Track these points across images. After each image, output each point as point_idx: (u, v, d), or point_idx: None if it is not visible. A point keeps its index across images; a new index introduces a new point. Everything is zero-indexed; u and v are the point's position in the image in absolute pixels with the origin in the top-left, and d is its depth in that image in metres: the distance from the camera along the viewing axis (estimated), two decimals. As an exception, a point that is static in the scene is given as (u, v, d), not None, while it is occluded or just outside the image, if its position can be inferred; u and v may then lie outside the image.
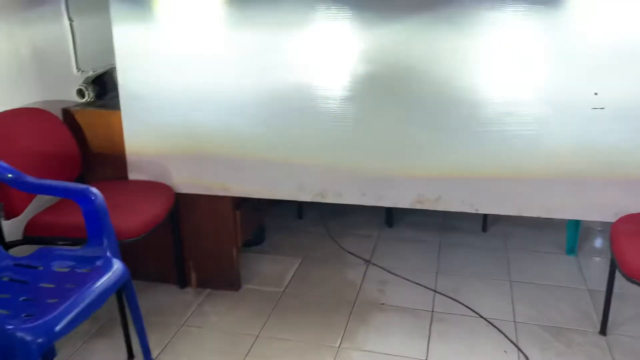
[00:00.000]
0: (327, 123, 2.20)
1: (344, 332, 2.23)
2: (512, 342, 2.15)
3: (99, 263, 1.85)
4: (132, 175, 2.44)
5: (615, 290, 2.09)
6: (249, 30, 2.16)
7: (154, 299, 2.47)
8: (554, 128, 2.04)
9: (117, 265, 1.84)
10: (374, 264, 2.75)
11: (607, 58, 1.92)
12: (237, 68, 2.22)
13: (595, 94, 1.96)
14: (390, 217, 3.14)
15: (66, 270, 1.84)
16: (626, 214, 2.03)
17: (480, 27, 1.99)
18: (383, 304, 2.42)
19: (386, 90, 2.13)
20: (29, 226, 2.06)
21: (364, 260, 2.79)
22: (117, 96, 2.39)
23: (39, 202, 2.19)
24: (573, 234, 2.77)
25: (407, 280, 2.60)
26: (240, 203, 2.50)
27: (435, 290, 2.50)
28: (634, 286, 1.76)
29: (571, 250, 2.80)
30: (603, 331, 2.17)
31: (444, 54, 2.05)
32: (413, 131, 2.15)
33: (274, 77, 2.20)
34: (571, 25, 1.93)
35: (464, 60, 2.04)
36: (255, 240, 2.92)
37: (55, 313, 1.56)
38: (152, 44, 2.26)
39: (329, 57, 2.14)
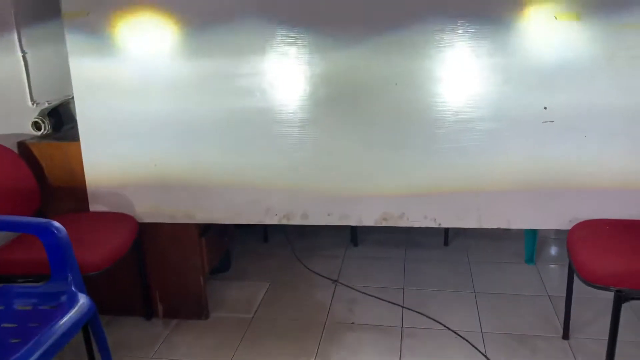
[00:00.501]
0: (291, 146, 2.23)
1: (316, 354, 2.23)
2: (480, 352, 2.20)
3: (63, 299, 1.80)
4: (94, 207, 2.40)
5: (575, 295, 2.18)
6: (208, 57, 2.18)
7: (120, 332, 2.41)
8: (508, 142, 2.13)
9: (83, 300, 1.80)
10: (341, 284, 2.77)
11: (554, 74, 2.03)
12: (197, 94, 2.23)
13: (545, 108, 2.07)
14: (355, 236, 3.18)
15: (29, 308, 1.78)
16: (580, 220, 2.12)
17: (433, 48, 2.07)
18: (353, 323, 2.44)
19: (347, 112, 2.18)
20: (-13, 265, 1.99)
21: (332, 280, 2.81)
22: (74, 127, 2.37)
23: (-3, 240, 2.13)
24: (531, 244, 2.87)
25: (375, 297, 2.62)
26: (206, 229, 2.48)
27: (403, 306, 2.54)
28: (592, 290, 1.83)
29: (530, 259, 2.90)
30: (566, 335, 2.25)
31: (400, 74, 2.12)
32: (375, 150, 2.21)
33: (235, 103, 2.22)
34: (519, 43, 2.03)
35: (419, 80, 2.12)
36: (221, 266, 2.90)
37: (17, 355, 1.51)
38: (110, 73, 2.25)
39: (289, 80, 2.17)
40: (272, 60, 2.16)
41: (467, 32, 2.04)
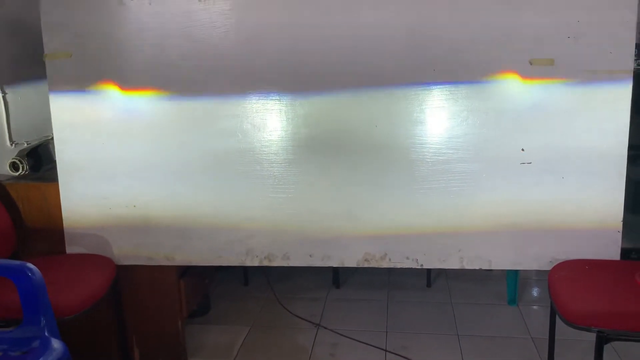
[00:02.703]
0: (272, 187, 2.23)
1: (298, 400, 2.17)
2: (465, 396, 2.16)
3: (35, 344, 1.74)
4: (71, 249, 2.35)
5: (557, 336, 2.16)
6: (190, 98, 2.19)
7: (94, 380, 2.33)
8: (487, 183, 2.16)
9: (56, 346, 1.74)
10: (323, 327, 2.72)
11: (531, 117, 2.08)
12: (179, 135, 2.23)
13: (522, 150, 2.10)
14: (337, 278, 3.15)
15: (-1, 354, 1.72)
16: (560, 261, 2.14)
17: (412, 91, 2.12)
18: (335, 367, 2.39)
19: (328, 153, 2.20)
20: (-43, 309, 1.92)
21: (314, 323, 2.76)
22: (53, 168, 2.34)
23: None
24: (513, 285, 2.87)
25: (358, 341, 2.58)
26: (185, 271, 2.44)
27: (385, 350, 2.50)
28: (575, 331, 1.82)
29: (512, 300, 2.89)
30: (550, 378, 2.23)
31: (380, 116, 2.15)
32: (356, 191, 2.21)
33: (216, 143, 2.22)
34: (496, 87, 2.08)
35: (399, 122, 2.15)
36: (200, 310, 2.84)
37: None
38: (91, 113, 2.24)
39: (271, 122, 2.19)
40: (254, 102, 2.18)
41: (444, 75, 2.09)
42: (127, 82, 2.22)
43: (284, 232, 2.26)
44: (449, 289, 3.08)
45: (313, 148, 2.20)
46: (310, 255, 2.27)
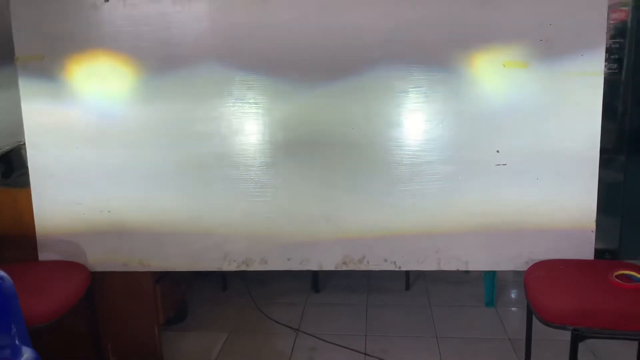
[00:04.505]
0: (249, 190, 2.21)
1: (277, 406, 2.15)
2: (444, 398, 2.17)
3: (5, 353, 1.69)
4: (43, 256, 2.30)
5: (534, 337, 2.18)
6: (164, 101, 2.18)
7: (68, 389, 2.28)
8: (463, 184, 2.17)
9: (27, 354, 1.70)
10: (302, 332, 2.70)
11: (505, 118, 2.10)
12: (154, 139, 2.21)
13: (497, 151, 2.13)
14: (317, 282, 3.14)
15: (-33, 364, 1.67)
16: (536, 261, 2.16)
17: (388, 93, 2.13)
18: (314, 371, 2.38)
19: (305, 156, 2.20)
20: None
21: (293, 328, 2.74)
22: (25, 174, 2.30)
23: None
24: (490, 287, 2.89)
25: (337, 345, 2.57)
26: (161, 277, 2.40)
27: (365, 353, 2.49)
28: (551, 331, 1.84)
29: (490, 302, 2.91)
30: (527, 378, 2.24)
31: (357, 119, 2.16)
32: (334, 194, 2.21)
33: (192, 147, 2.20)
34: (470, 89, 2.10)
35: (376, 124, 2.16)
36: (177, 317, 2.80)
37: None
38: (64, 117, 2.21)
39: (248, 125, 2.18)
40: (231, 105, 2.17)
41: (421, 78, 2.11)
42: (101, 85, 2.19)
43: (262, 236, 2.24)
44: (428, 292, 3.09)
45: (291, 151, 2.19)
46: (288, 259, 2.26)
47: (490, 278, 2.89)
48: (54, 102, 2.20)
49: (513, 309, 2.90)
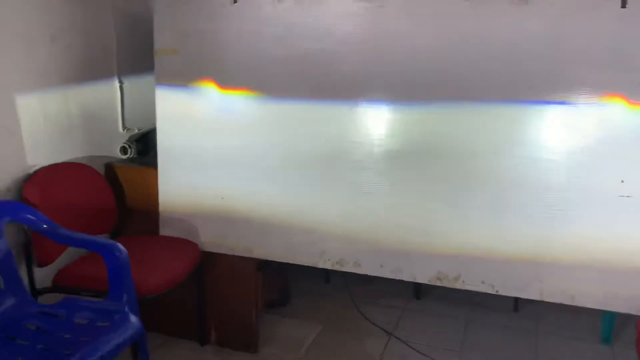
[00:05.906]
0: (351, 193, 2.23)
1: (355, 407, 2.18)
2: None
3: (116, 318, 1.91)
4: (163, 231, 2.54)
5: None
6: (279, 100, 2.26)
7: (172, 353, 2.50)
8: (581, 212, 1.99)
9: (133, 321, 1.90)
10: (396, 337, 2.69)
11: (633, 145, 1.88)
12: (267, 135, 2.31)
13: (622, 181, 1.91)
14: (419, 288, 3.09)
15: (85, 322, 1.91)
16: (656, 308, 1.93)
17: (504, 109, 2.01)
18: (399, 380, 2.36)
19: (411, 166, 2.16)
20: (58, 275, 2.17)
21: (386, 332, 2.74)
22: (157, 155, 2.53)
23: (74, 253, 2.30)
24: (609, 322, 2.63)
25: (428, 357, 2.52)
26: (265, 265, 2.53)
27: (455, 371, 2.42)
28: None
29: (606, 339, 2.65)
30: None
31: (468, 132, 2.07)
32: (435, 207, 2.15)
33: (301, 146, 2.27)
34: (597, 112, 1.91)
35: (488, 140, 2.05)
36: (280, 300, 2.94)
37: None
38: (191, 107, 2.39)
39: (357, 129, 2.19)
40: (343, 108, 2.19)
41: (541, 93, 1.96)
42: (225, 81, 2.33)
43: (358, 239, 2.26)
44: (538, 317, 2.89)
45: (396, 159, 2.16)
46: (381, 265, 2.25)
47: (611, 313, 2.62)
48: (183, 93, 2.39)
49: (632, 351, 2.61)
